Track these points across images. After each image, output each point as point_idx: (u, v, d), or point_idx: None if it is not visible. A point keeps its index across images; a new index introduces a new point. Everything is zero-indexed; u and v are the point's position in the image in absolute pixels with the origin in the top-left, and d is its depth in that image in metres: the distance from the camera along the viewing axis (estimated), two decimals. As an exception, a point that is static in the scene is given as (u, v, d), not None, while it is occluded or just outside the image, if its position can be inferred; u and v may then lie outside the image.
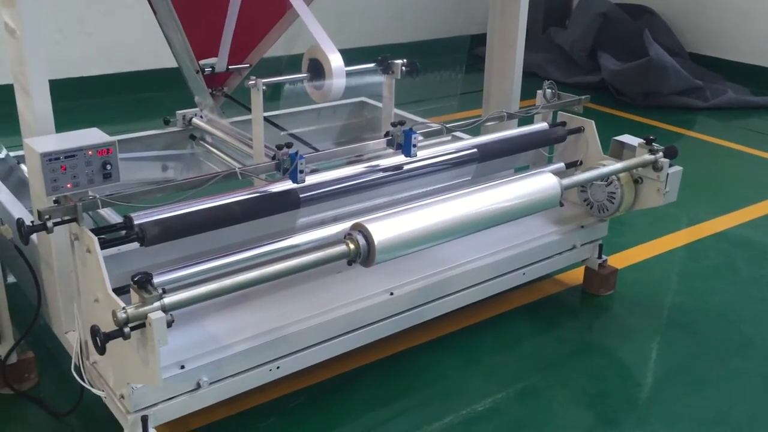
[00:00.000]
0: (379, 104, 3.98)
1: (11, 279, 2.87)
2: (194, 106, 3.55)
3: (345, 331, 2.35)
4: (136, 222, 2.04)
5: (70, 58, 5.52)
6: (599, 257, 3.04)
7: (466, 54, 6.40)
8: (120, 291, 1.91)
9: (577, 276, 3.15)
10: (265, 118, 2.94)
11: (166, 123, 3.56)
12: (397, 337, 2.53)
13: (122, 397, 1.99)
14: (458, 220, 2.22)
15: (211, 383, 2.09)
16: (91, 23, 5.60)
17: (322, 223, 2.40)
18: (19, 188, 2.98)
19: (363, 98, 4.03)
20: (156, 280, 1.96)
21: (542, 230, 2.87)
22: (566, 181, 2.53)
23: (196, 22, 3.08)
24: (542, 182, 2.45)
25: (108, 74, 5.73)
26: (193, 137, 3.59)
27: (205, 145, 3.54)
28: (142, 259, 2.15)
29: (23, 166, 3.02)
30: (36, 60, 2.04)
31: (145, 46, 5.29)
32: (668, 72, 5.78)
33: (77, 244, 2.00)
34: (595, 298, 3.08)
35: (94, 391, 2.11)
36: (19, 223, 1.89)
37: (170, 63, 3.32)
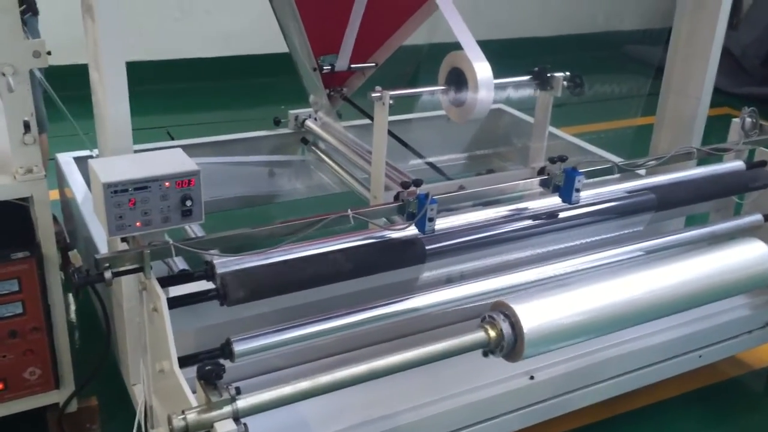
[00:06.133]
0: (519, 114, 3.44)
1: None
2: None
3: (473, 422, 1.87)
4: (218, 272, 1.61)
5: (189, 37, 5.26)
6: (797, 337, 2.37)
7: (615, 53, 5.66)
8: (192, 359, 1.51)
9: (762, 355, 2.49)
10: (393, 134, 2.45)
11: (277, 123, 3.16)
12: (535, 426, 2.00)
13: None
14: (638, 304, 1.64)
15: (297, 486, 1.64)
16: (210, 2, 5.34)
17: (448, 280, 1.88)
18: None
19: (500, 105, 3.47)
20: (236, 348, 1.54)
21: (725, 302, 2.23)
22: (784, 252, 1.89)
23: (316, 13, 2.61)
24: (751, 253, 1.82)
25: (224, 57, 5.44)
26: (305, 141, 3.16)
27: (317, 151, 3.10)
28: (220, 313, 1.72)
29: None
30: (112, 53, 1.63)
31: (262, 29, 4.96)
32: None
33: (145, 295, 1.59)
34: (788, 389, 2.42)
35: (157, 468, 1.71)
36: (71, 271, 1.48)
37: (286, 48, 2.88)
